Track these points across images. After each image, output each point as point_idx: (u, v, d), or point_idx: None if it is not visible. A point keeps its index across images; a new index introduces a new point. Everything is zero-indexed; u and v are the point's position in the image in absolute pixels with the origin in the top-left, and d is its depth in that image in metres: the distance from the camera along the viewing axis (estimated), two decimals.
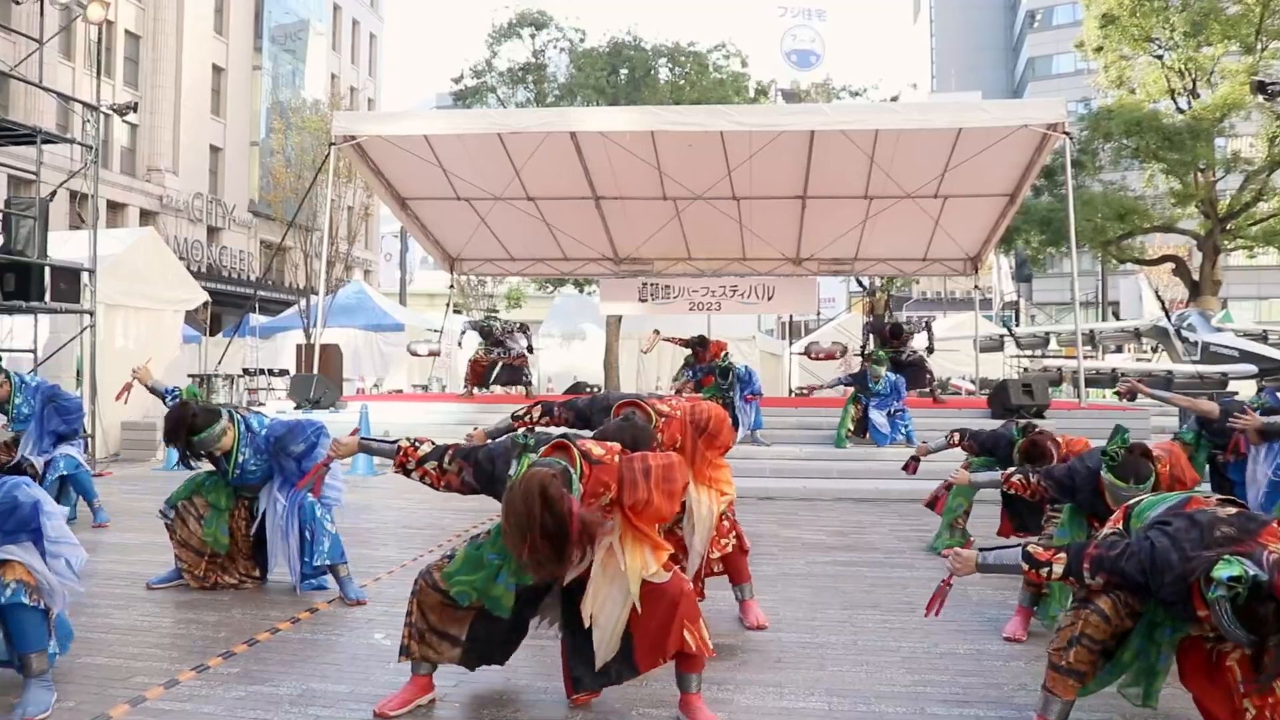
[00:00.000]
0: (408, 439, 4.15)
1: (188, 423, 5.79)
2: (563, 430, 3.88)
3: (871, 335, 15.31)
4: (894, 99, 32.27)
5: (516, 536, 3.38)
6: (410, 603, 4.06)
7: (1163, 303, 30.46)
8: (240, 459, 5.92)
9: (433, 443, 4.13)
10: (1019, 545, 3.84)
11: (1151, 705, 3.82)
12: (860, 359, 15.57)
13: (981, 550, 3.93)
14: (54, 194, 13.93)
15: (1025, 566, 3.76)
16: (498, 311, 33.48)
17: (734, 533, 5.36)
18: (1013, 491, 5.71)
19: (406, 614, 4.07)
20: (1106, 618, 3.62)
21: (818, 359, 20.46)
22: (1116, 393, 14.86)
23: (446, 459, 4.03)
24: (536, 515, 3.33)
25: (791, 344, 28.20)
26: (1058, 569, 3.69)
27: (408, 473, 4.09)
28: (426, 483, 4.06)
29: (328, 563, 5.86)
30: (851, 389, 13.28)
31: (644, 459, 3.83)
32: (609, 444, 3.89)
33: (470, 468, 3.96)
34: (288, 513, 5.88)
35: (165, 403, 6.41)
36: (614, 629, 3.77)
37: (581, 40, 29.24)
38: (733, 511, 5.43)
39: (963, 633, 5.32)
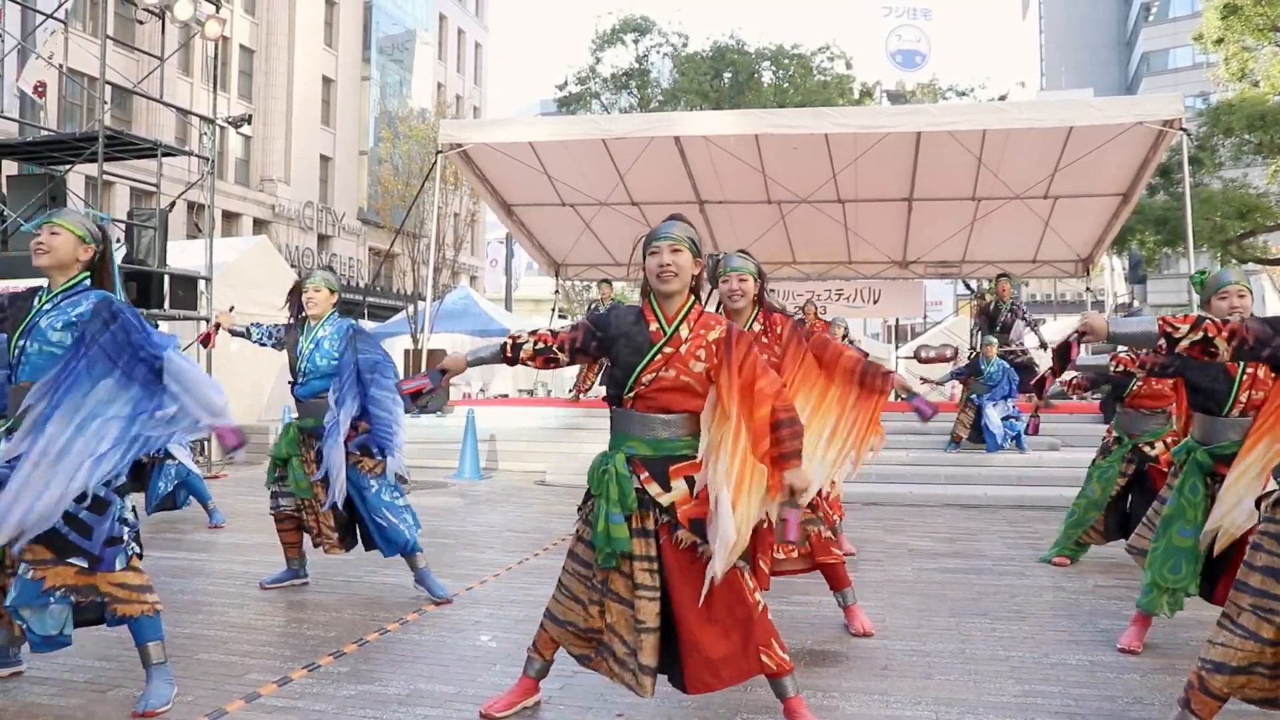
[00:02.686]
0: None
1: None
2: None
3: (980, 324, 14.89)
4: (1002, 98, 31.58)
5: None
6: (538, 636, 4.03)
7: None
8: (320, 334, 6.04)
9: None
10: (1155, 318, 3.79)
11: None
12: (971, 354, 15.32)
13: (1112, 319, 3.86)
14: (173, 205, 14.39)
15: (1160, 323, 3.66)
16: None
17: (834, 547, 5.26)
18: (1129, 367, 6.04)
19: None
20: (1256, 637, 3.31)
21: (927, 362, 20.20)
22: None
23: (560, 327, 3.97)
24: None
25: (898, 348, 27.87)
26: (1192, 330, 3.58)
27: (518, 352, 3.93)
28: (539, 348, 3.91)
29: (402, 553, 5.88)
30: (963, 389, 13.11)
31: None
32: None
33: (587, 319, 3.89)
34: (335, 472, 5.76)
35: (251, 339, 6.51)
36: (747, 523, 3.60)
37: (684, 45, 29.32)
38: (839, 515, 5.31)
39: (1075, 643, 5.18)
